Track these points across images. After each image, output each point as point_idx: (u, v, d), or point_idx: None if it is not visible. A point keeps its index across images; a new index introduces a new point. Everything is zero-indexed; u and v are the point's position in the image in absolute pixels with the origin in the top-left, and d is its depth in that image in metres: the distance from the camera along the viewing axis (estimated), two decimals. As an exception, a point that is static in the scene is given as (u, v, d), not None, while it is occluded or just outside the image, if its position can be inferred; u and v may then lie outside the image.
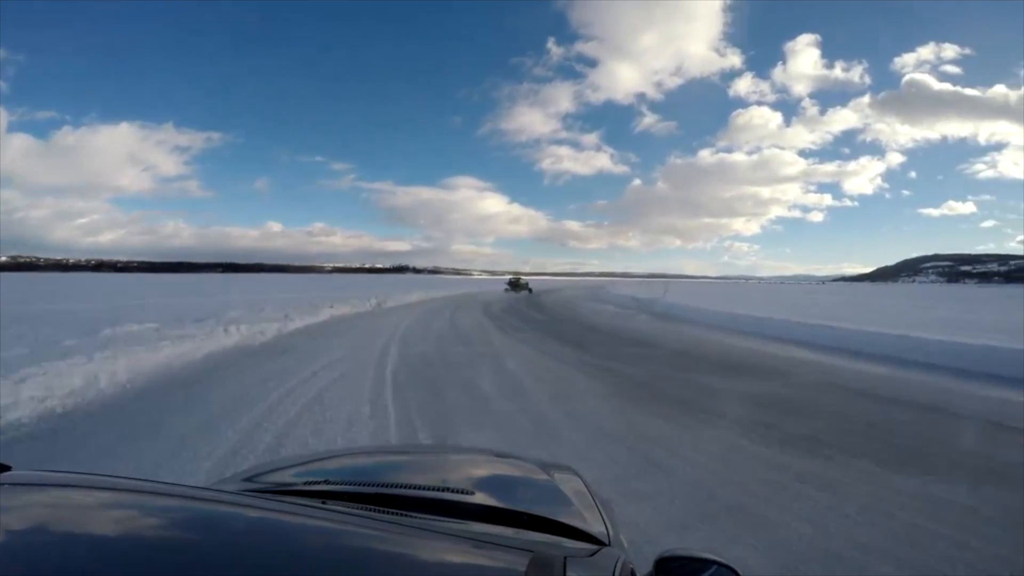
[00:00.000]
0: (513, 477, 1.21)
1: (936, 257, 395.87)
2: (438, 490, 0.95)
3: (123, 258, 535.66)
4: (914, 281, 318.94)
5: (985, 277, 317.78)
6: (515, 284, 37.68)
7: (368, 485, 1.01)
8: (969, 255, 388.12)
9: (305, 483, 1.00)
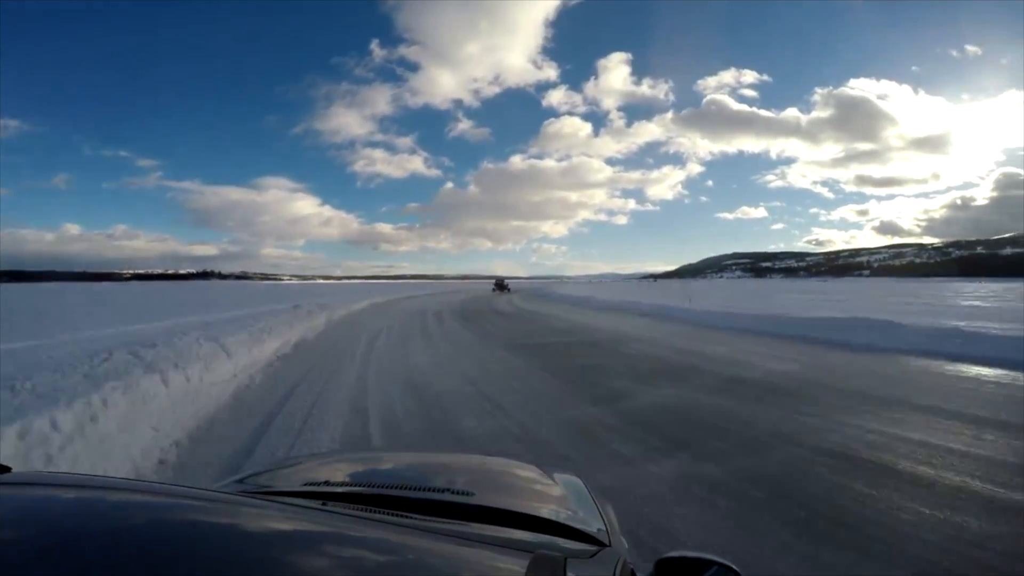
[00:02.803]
0: (513, 479, 1.20)
1: (737, 255, 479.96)
2: (438, 491, 0.95)
3: None
4: (721, 276, 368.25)
5: (790, 272, 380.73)
6: (499, 285, 44.15)
7: (368, 486, 1.02)
8: (765, 253, 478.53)
9: (305, 484, 0.99)
